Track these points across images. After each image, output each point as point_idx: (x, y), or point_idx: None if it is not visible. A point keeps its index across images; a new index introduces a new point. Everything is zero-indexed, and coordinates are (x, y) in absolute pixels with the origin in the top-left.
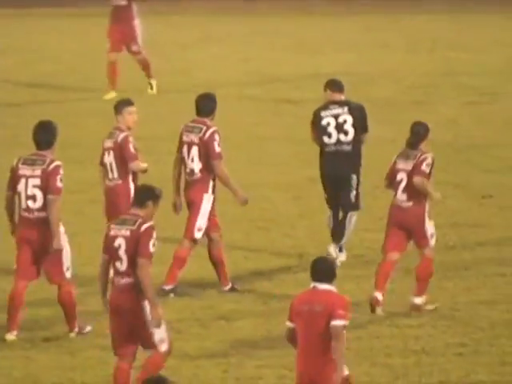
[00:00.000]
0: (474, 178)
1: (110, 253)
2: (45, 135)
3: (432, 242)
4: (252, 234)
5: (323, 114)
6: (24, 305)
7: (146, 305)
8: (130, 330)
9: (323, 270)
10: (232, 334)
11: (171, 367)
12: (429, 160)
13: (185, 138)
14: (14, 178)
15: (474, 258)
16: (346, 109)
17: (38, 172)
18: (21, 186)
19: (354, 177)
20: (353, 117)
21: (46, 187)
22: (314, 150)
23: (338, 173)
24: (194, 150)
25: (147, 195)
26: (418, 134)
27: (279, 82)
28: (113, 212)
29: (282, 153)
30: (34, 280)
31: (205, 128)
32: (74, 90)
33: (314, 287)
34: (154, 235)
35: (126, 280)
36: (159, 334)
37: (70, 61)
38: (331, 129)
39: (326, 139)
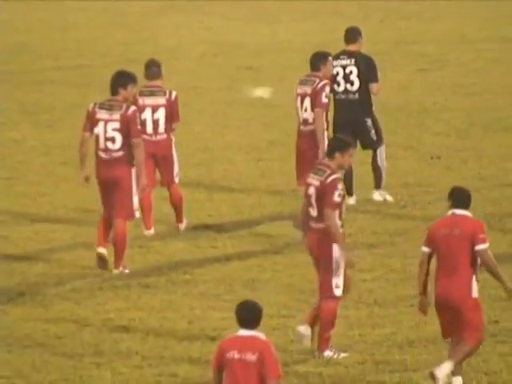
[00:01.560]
0: (423, 141)
1: (307, 198)
2: (115, 82)
3: None
4: (215, 193)
5: (334, 63)
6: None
7: (334, 250)
8: (318, 270)
9: (461, 197)
10: (197, 288)
11: (139, 319)
12: None
13: (298, 91)
14: (92, 121)
15: (424, 216)
16: (353, 60)
17: (117, 116)
18: (99, 129)
19: (369, 120)
20: (358, 68)
21: (127, 131)
22: (273, 114)
23: (350, 118)
24: (307, 101)
25: (334, 147)
26: None
27: (239, 50)
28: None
29: (243, 117)
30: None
31: (318, 80)
32: (46, 59)
33: (452, 213)
34: (340, 186)
35: (317, 225)
36: (337, 280)
37: (42, 30)
38: (340, 78)
39: (335, 87)
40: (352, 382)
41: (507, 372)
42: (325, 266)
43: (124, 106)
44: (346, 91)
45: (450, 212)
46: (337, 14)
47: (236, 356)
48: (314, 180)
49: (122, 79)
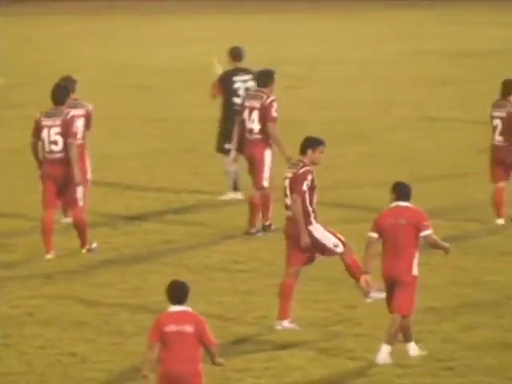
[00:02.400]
0: (292, 151)
1: (284, 191)
2: (59, 93)
3: None
4: (109, 196)
5: (235, 78)
6: (54, 229)
7: (312, 229)
8: (304, 248)
9: (403, 190)
10: (93, 278)
11: (42, 305)
12: None
13: (246, 104)
14: (38, 128)
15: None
16: (250, 76)
17: (59, 122)
18: (44, 134)
19: None
20: (254, 82)
21: (66, 133)
22: (162, 127)
23: None
24: (255, 114)
25: (306, 144)
26: (507, 87)
27: (134, 70)
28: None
29: (134, 129)
30: (56, 209)
31: (265, 96)
32: None
33: (396, 205)
34: (309, 177)
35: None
36: (330, 241)
37: None
38: (241, 92)
39: (236, 100)
40: (226, 360)
41: (361, 350)
42: (316, 242)
43: (65, 111)
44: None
45: (393, 204)
46: (217, 39)
47: (174, 329)
48: (288, 173)
49: (68, 89)
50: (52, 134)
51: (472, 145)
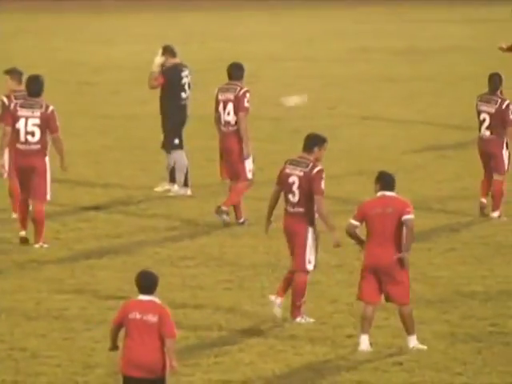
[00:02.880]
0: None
1: (283, 186)
2: (36, 85)
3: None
4: (60, 192)
5: (183, 74)
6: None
7: (310, 230)
8: (293, 248)
9: (388, 181)
10: (43, 273)
11: None
12: (511, 106)
13: (220, 97)
14: (13, 118)
15: (244, 214)
16: (187, 71)
17: (38, 114)
18: (20, 124)
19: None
20: (191, 76)
21: (47, 127)
22: (108, 123)
23: (186, 120)
24: (230, 106)
25: (313, 142)
26: (495, 82)
27: (81, 68)
28: None
29: (82, 125)
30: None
31: (239, 88)
32: None
33: (382, 194)
34: (324, 176)
35: (296, 209)
36: (310, 255)
37: None
38: (186, 86)
39: (183, 95)
40: (178, 354)
41: (310, 345)
42: (300, 244)
43: (44, 104)
44: (187, 98)
45: (379, 193)
46: (162, 37)
47: (138, 317)
48: (295, 171)
49: (43, 81)
50: (29, 125)
51: (418, 141)
